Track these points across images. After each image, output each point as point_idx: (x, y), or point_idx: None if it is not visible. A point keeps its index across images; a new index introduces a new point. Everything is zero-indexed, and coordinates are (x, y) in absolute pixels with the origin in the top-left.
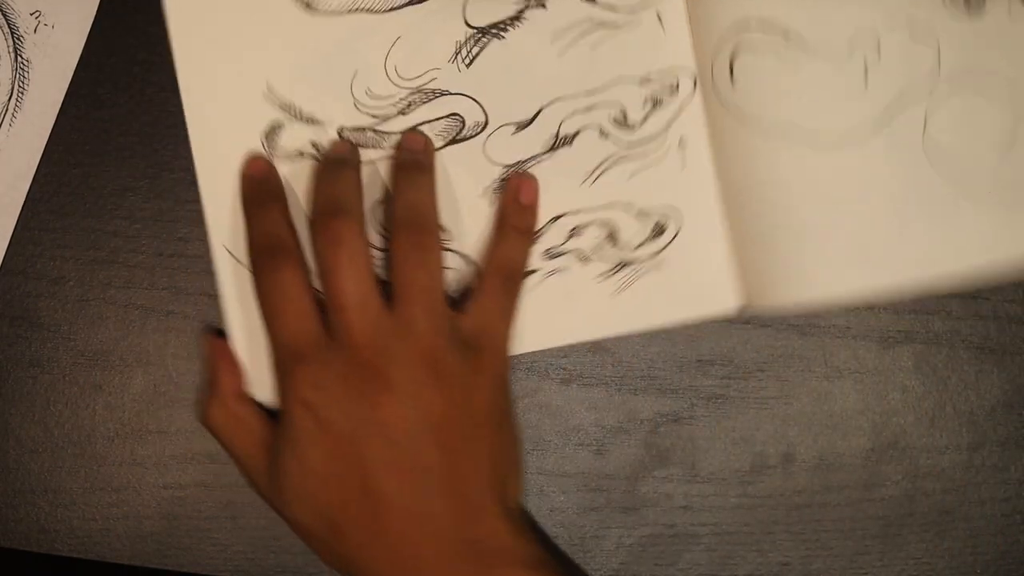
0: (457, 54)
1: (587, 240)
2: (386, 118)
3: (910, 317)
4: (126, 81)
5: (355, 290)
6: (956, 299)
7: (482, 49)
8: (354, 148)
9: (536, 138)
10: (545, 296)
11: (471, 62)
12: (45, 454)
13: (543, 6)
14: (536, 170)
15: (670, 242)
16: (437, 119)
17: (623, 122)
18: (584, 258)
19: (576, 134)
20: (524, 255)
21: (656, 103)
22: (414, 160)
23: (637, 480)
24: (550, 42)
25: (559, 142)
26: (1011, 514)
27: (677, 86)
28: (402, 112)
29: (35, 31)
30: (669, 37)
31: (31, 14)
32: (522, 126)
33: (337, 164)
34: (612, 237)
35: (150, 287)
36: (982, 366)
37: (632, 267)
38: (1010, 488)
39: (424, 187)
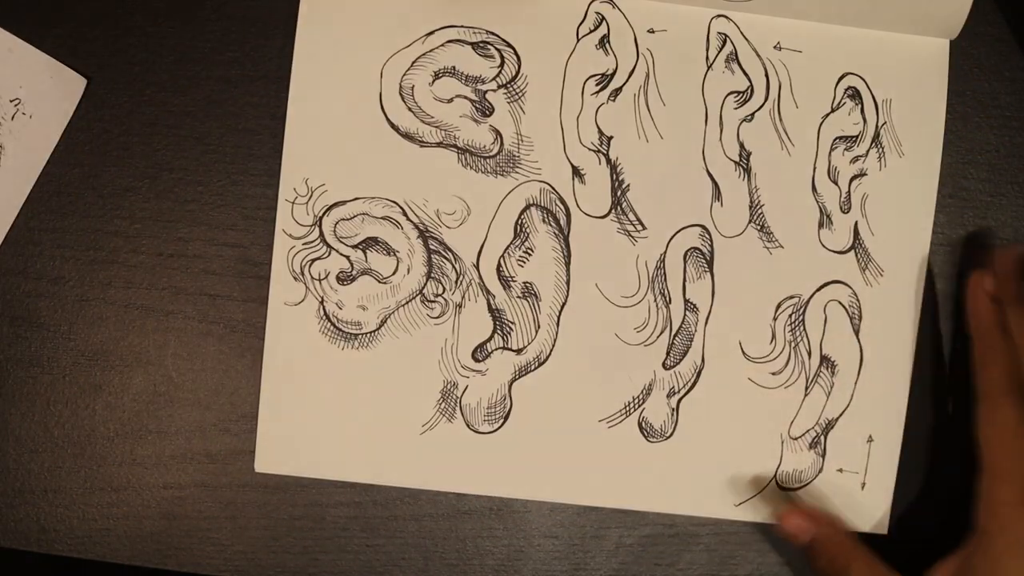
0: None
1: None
2: None
3: None
4: (126, 81)
5: None
6: (956, 299)
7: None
8: None
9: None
10: None
11: None
12: (45, 454)
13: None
14: None
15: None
16: None
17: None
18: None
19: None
20: None
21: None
22: None
23: None
24: None
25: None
26: None
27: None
28: None
29: (12, 118)
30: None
31: (11, 101)
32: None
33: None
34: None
35: (150, 287)
36: None
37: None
38: None
39: None
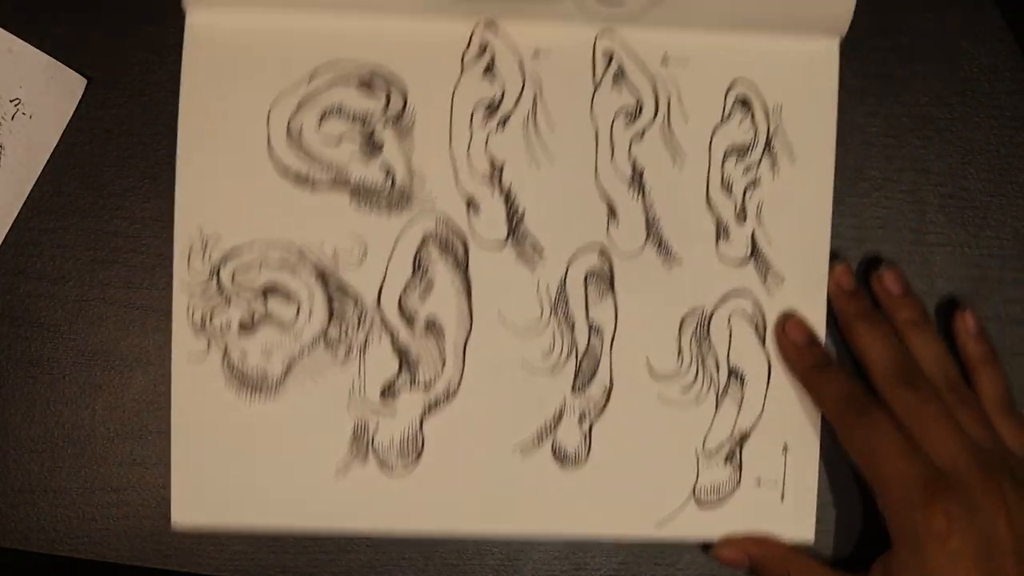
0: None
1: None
2: None
3: None
4: (126, 81)
5: (957, 436)
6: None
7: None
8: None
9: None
10: None
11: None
12: (45, 454)
13: None
14: None
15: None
16: None
17: None
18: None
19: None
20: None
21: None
22: (914, 316)
23: None
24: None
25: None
26: None
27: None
28: None
29: (12, 118)
30: None
31: (11, 101)
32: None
33: (870, 320)
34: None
35: (150, 287)
36: None
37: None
38: None
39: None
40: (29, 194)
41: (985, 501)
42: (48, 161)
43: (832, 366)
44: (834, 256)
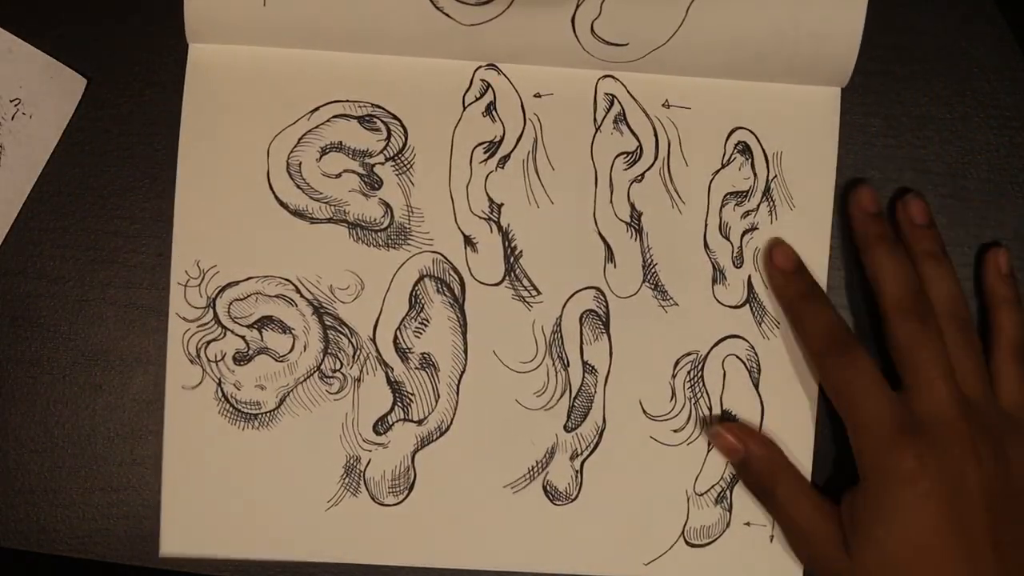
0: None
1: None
2: None
3: None
4: (126, 81)
5: (947, 381)
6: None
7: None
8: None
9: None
10: None
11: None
12: (45, 454)
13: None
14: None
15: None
16: None
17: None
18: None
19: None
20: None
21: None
22: (933, 248)
23: None
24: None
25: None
26: None
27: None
28: None
29: (12, 118)
30: None
31: (11, 101)
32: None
33: (890, 245)
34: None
35: (150, 287)
36: None
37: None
38: None
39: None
40: (29, 194)
41: (957, 449)
42: (48, 161)
43: (819, 298)
44: (834, 256)
